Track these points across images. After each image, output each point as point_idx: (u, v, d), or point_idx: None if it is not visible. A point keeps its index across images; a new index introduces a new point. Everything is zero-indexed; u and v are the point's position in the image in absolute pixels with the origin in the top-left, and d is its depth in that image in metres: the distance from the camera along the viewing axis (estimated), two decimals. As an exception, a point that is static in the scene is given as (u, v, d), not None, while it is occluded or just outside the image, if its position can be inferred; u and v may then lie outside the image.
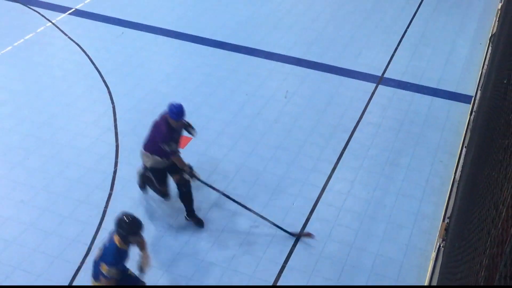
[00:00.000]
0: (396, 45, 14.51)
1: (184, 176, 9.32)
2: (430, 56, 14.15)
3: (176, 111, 8.99)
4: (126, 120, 11.83)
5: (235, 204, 9.69)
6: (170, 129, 9.07)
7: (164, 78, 13.11)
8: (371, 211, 9.94)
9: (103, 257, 7.30)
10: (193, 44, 14.32)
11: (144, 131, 11.44)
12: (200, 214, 9.73)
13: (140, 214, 9.74)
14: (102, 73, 13.18)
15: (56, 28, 14.77)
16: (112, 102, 12.31)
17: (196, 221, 9.63)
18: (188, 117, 11.86)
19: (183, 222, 9.65)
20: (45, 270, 8.86)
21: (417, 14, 15.96)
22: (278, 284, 8.70)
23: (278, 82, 13.04)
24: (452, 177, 10.54)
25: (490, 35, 14.68)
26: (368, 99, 12.57)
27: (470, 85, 13.09)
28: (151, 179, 9.74)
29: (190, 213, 9.64)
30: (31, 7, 15.71)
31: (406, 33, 15.06)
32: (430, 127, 11.88)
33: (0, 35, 14.53)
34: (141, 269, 7.86)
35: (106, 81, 12.93)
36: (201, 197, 10.05)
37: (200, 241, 9.40)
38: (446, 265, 7.24)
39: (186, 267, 8.97)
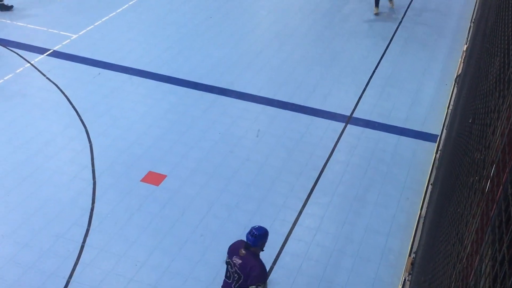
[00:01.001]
0: (364, 86, 14.83)
1: None
2: (397, 96, 14.48)
3: (265, 232, 7.63)
4: (103, 158, 12.00)
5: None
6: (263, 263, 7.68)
7: (139, 117, 13.32)
8: (339, 245, 10.16)
9: None
10: (167, 84, 14.57)
11: (120, 169, 11.66)
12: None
13: (115, 249, 9.90)
14: (79, 112, 13.35)
15: (35, 69, 14.95)
16: (89, 141, 12.47)
17: None
18: (162, 155, 12.11)
19: (158, 257, 9.80)
20: (23, 305, 8.97)
21: (384, 56, 16.34)
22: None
23: (249, 121, 13.30)
24: (418, 213, 10.76)
25: (455, 75, 14.98)
26: (337, 138, 12.84)
27: (435, 124, 13.38)
28: None
29: None
30: (10, 48, 15.89)
31: (374, 74, 15.40)
32: (397, 165, 12.13)
33: (-22, 75, 14.69)
34: None
35: (83, 120, 13.10)
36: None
37: (174, 275, 9.54)
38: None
39: (160, 301, 9.11)
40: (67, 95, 13.95)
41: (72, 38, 16.52)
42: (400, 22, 18.28)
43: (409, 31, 17.81)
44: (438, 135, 12.93)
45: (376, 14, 18.61)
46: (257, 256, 7.56)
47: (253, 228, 7.62)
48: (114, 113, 13.42)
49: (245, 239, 7.79)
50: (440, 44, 17.10)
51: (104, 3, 18.80)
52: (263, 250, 7.68)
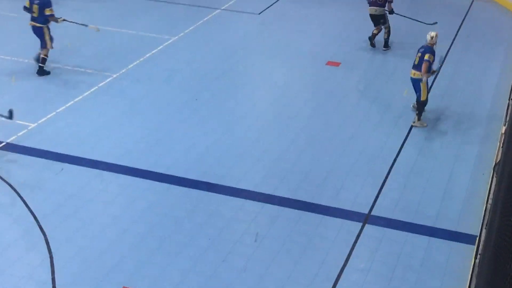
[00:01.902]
0: (384, 176, 14.91)
1: None
2: (425, 188, 14.53)
3: None
4: (66, 272, 11.91)
5: None
6: None
7: (111, 221, 13.28)
8: None
9: None
10: (145, 180, 14.62)
11: (87, 285, 11.53)
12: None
13: None
14: (38, 217, 13.32)
15: (-17, 165, 15.05)
16: (50, 251, 12.41)
17: None
18: (139, 267, 12.00)
19: None
20: None
21: (407, 140, 16.49)
22: None
23: (245, 223, 13.29)
24: (458, 332, 10.65)
25: (493, 163, 15.09)
26: (353, 241, 12.82)
27: (473, 222, 13.38)
28: None
29: None
30: (-47, 141, 16.02)
31: (396, 162, 15.51)
32: (428, 273, 12.06)
33: None
34: None
35: (43, 226, 13.06)
36: None
37: None
38: None
39: None
40: (23, 197, 13.97)
41: (29, 128, 16.68)
42: (425, 100, 18.47)
43: (435, 110, 17.98)
44: (476, 236, 12.92)
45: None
46: None
47: None
48: (80, 217, 13.40)
49: None
50: (473, 126, 17.34)
51: (69, 85, 19.07)
52: None
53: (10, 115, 15.52)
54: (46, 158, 15.39)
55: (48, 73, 19.66)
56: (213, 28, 23.93)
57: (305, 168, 15.20)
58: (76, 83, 19.18)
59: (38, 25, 19.24)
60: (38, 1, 19.00)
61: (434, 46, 16.81)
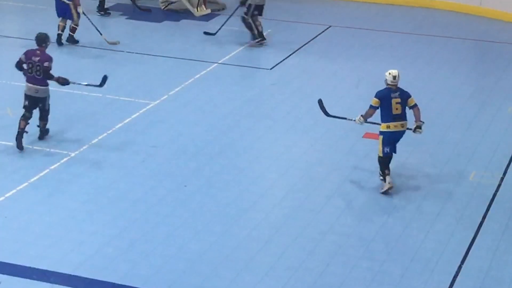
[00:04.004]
0: (446, 289, 14.88)
1: None
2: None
3: None
4: None
5: None
6: None
7: None
8: None
9: None
10: (115, 297, 14.51)
11: None
12: None
13: None
14: None
15: None
16: None
17: None
18: None
19: None
20: None
21: (476, 239, 16.42)
22: None
23: None
24: None
25: None
26: None
27: None
28: None
29: None
30: None
31: (461, 271, 15.37)
32: None
33: None
34: None
35: None
36: None
37: None
38: None
39: None
40: None
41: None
42: (495, 196, 18.46)
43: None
44: None
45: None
46: None
47: None
48: None
49: None
50: None
51: (10, 168, 19.04)
52: None
53: (103, 82, 20.43)
54: (-22, 268, 15.37)
55: (77, 41, 28.07)
56: (207, 88, 24.11)
57: (335, 280, 15.05)
58: (21, 165, 19.22)
59: (66, 2, 26.88)
60: None
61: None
